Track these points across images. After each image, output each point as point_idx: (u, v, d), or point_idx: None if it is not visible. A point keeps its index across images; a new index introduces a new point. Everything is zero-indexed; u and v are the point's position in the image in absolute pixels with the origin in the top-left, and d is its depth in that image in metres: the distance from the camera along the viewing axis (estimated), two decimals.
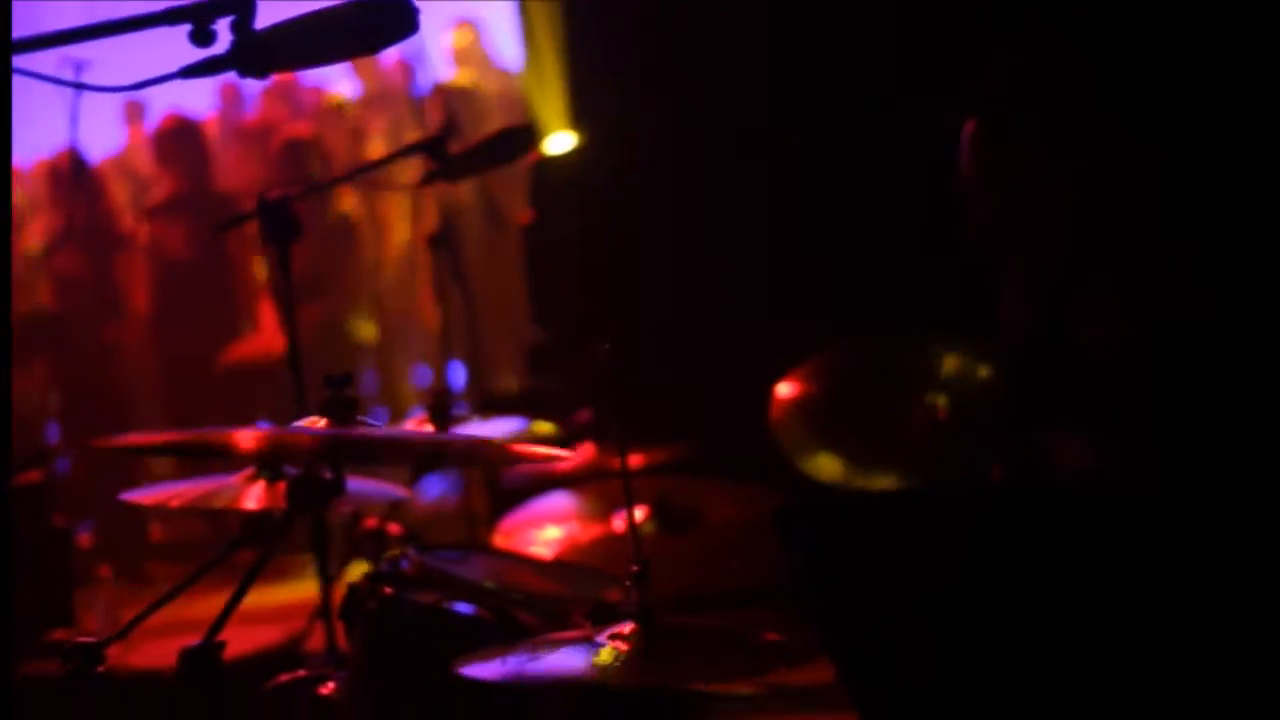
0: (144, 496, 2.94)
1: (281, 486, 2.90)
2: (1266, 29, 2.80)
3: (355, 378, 2.30)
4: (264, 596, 4.55)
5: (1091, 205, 2.67)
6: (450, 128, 5.35)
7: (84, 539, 7.06)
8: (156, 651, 4.08)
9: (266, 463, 2.87)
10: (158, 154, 7.81)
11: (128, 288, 7.85)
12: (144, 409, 8.17)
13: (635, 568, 2.17)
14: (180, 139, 7.60)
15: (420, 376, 9.57)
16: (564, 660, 2.14)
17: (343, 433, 2.24)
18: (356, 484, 3.18)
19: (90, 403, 7.52)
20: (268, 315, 7.69)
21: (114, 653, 4.53)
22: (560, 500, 3.93)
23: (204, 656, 2.15)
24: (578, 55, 5.51)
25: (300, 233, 3.74)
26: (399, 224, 8.47)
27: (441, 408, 3.55)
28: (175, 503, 2.96)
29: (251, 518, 2.84)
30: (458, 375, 9.79)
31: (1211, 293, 2.61)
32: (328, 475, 2.22)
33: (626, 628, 2.16)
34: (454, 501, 6.11)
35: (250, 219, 3.88)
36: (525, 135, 3.67)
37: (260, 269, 7.71)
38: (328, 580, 3.78)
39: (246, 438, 2.49)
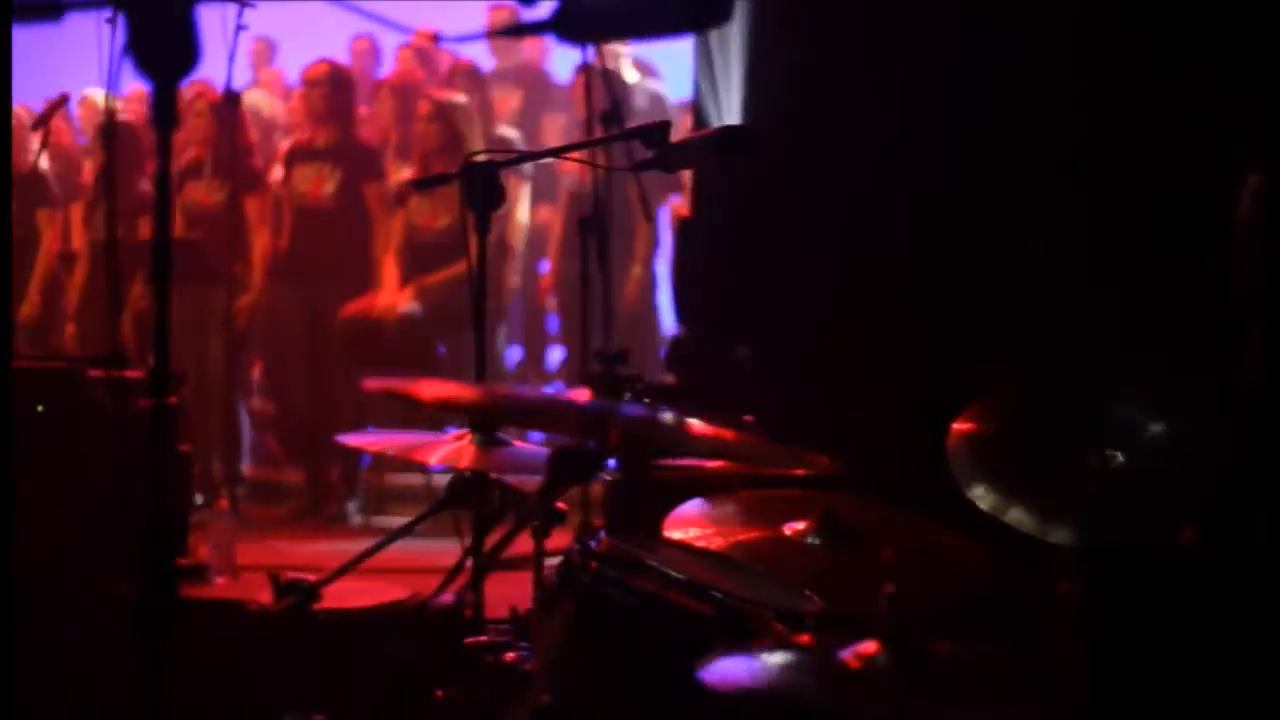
0: (359, 441, 2.97)
1: (485, 450, 2.94)
2: None
3: (626, 356, 2.31)
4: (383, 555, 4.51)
5: None
6: (618, 111, 5.37)
7: None
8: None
9: (481, 425, 2.89)
10: (307, 100, 7.84)
11: (256, 227, 7.88)
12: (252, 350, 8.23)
13: (890, 588, 2.16)
14: (334, 88, 7.63)
15: (510, 355, 9.61)
16: (805, 677, 2.13)
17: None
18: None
19: (205, 334, 7.56)
20: (391, 273, 7.71)
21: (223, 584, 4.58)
22: (716, 501, 3.93)
23: (452, 615, 2.16)
24: (750, 54, 5.50)
25: (504, 201, 3.77)
26: (521, 202, 8.48)
27: (619, 392, 3.56)
28: (376, 447, 3.00)
29: (460, 477, 2.86)
30: (556, 356, 9.83)
31: None
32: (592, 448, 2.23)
33: (869, 647, 2.15)
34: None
35: (451, 180, 3.91)
36: (746, 136, 3.67)
37: (394, 229, 7.72)
38: (480, 549, 3.80)
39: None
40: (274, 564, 5.91)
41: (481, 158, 3.71)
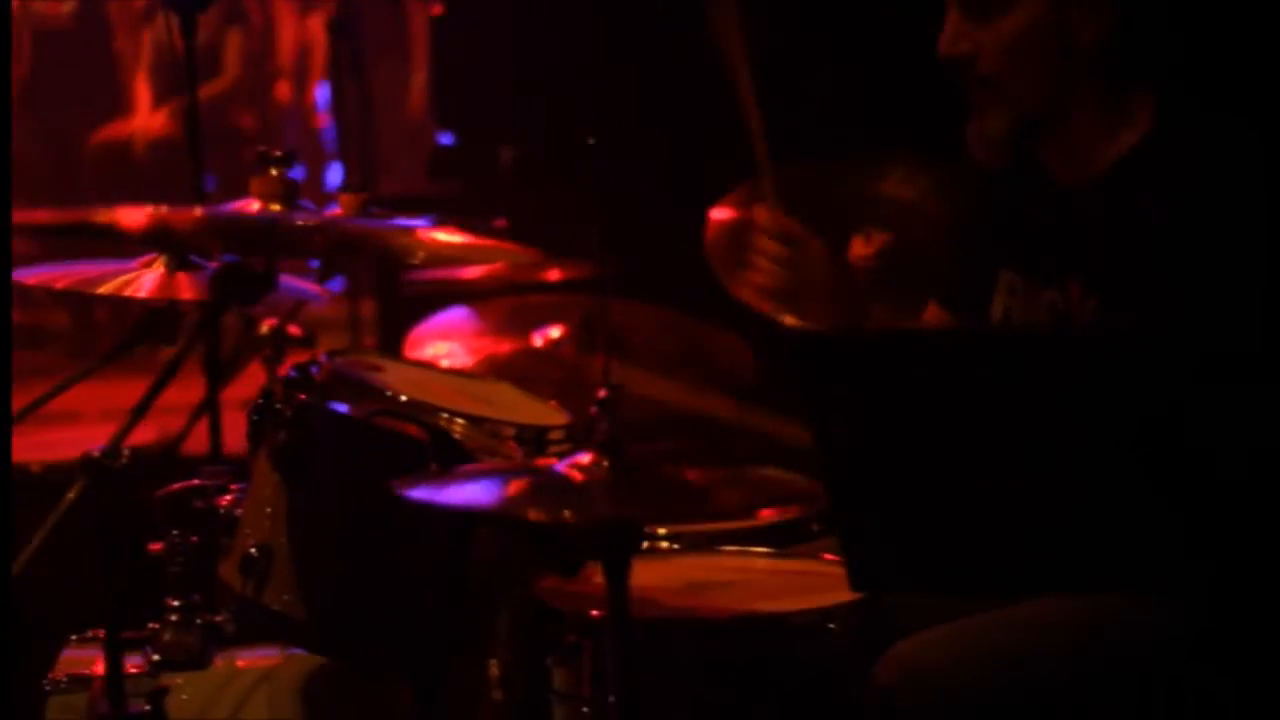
0: (28, 276, 2.64)
1: (182, 277, 2.63)
2: None
3: (296, 157, 2.03)
4: (135, 392, 4.22)
5: (1080, 42, 2.40)
6: None
7: None
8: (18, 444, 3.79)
9: (169, 249, 2.57)
10: None
11: None
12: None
13: (604, 393, 1.93)
14: None
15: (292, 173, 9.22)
16: (509, 490, 1.92)
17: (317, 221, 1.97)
18: None
19: None
20: (144, 95, 7.30)
21: None
22: (470, 311, 3.69)
23: (105, 465, 1.89)
24: None
25: (209, 1, 3.44)
26: (289, 12, 8.06)
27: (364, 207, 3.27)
28: (61, 284, 2.68)
29: (152, 309, 2.56)
30: (335, 175, 9.46)
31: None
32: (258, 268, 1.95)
33: (585, 457, 1.93)
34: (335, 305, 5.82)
35: None
36: None
37: (143, 47, 7.29)
38: (217, 381, 3.51)
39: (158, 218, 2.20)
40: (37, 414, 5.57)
41: None
